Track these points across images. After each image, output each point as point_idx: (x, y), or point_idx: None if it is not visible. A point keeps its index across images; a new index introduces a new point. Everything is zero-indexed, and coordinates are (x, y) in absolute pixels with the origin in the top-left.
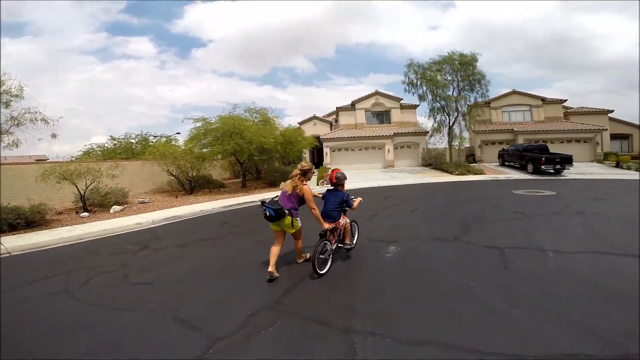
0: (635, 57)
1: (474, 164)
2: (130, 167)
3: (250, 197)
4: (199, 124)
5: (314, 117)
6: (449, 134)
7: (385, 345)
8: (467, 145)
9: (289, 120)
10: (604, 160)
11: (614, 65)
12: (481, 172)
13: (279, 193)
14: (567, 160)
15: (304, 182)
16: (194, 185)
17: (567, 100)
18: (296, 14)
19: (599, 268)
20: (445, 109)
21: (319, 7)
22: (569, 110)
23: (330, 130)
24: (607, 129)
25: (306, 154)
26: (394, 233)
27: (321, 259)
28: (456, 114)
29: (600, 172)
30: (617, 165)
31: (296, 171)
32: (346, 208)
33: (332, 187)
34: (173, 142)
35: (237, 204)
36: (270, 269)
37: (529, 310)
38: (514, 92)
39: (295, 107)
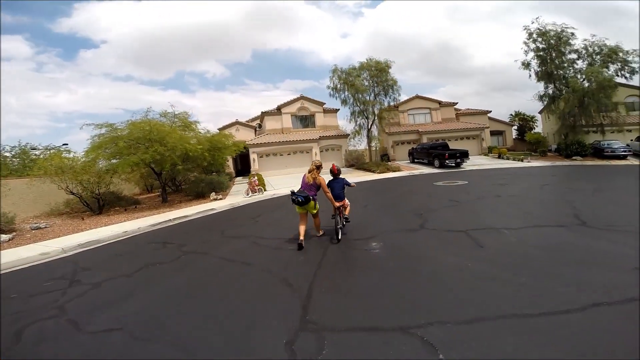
0: (498, 64)
1: (389, 163)
2: (13, 186)
3: (180, 211)
4: (102, 131)
5: (237, 123)
6: (368, 136)
7: (448, 328)
8: (378, 146)
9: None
10: (488, 153)
11: (482, 71)
12: (398, 169)
13: (212, 205)
14: (464, 155)
15: (319, 174)
16: (103, 203)
17: (457, 102)
18: (208, 16)
19: (547, 237)
20: (365, 112)
21: (236, 11)
22: (459, 112)
23: (255, 135)
24: (488, 127)
25: (229, 162)
26: (364, 230)
27: (338, 229)
28: (373, 117)
29: (489, 163)
30: (499, 157)
31: (312, 167)
32: (347, 187)
33: (333, 177)
34: (64, 154)
35: (167, 221)
36: (301, 238)
37: (524, 274)
38: (417, 97)
39: (205, 113)
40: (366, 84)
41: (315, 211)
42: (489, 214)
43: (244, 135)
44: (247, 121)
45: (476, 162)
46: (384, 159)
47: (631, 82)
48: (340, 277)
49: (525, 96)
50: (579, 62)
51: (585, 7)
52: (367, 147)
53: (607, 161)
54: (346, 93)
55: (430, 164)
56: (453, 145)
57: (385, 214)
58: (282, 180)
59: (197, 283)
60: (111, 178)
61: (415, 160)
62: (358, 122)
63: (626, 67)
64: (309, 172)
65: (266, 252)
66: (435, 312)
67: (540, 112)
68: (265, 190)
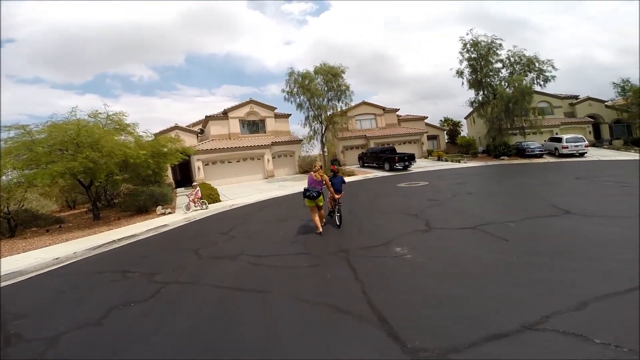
0: (424, 73)
1: (341, 167)
2: None
3: (123, 230)
4: (11, 134)
5: (176, 127)
6: (322, 141)
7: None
8: (328, 151)
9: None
10: (428, 156)
11: (411, 80)
12: (353, 173)
13: (162, 220)
14: (412, 158)
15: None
16: (15, 224)
17: (399, 109)
18: (136, 15)
19: (552, 225)
20: (319, 117)
21: (169, 11)
22: (399, 117)
23: (197, 142)
24: (427, 132)
25: (168, 171)
26: (374, 235)
27: (338, 216)
28: (327, 121)
29: (432, 165)
30: (439, 159)
31: (317, 166)
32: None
33: (333, 175)
34: None
35: (111, 242)
36: (319, 229)
37: (571, 259)
38: (364, 103)
39: (130, 119)
40: (320, 88)
41: (322, 203)
42: (477, 210)
43: (187, 142)
44: (188, 126)
45: (420, 165)
46: (334, 163)
47: (543, 90)
48: (397, 290)
49: (448, 104)
50: (503, 70)
51: (500, 20)
52: (321, 153)
53: (528, 160)
54: (302, 97)
55: (380, 167)
56: (397, 149)
57: (379, 218)
58: (235, 190)
59: (214, 331)
60: (25, 192)
61: (365, 165)
62: (313, 127)
63: (541, 76)
64: (315, 171)
65: (277, 273)
66: (548, 303)
67: (465, 118)
68: (206, 205)
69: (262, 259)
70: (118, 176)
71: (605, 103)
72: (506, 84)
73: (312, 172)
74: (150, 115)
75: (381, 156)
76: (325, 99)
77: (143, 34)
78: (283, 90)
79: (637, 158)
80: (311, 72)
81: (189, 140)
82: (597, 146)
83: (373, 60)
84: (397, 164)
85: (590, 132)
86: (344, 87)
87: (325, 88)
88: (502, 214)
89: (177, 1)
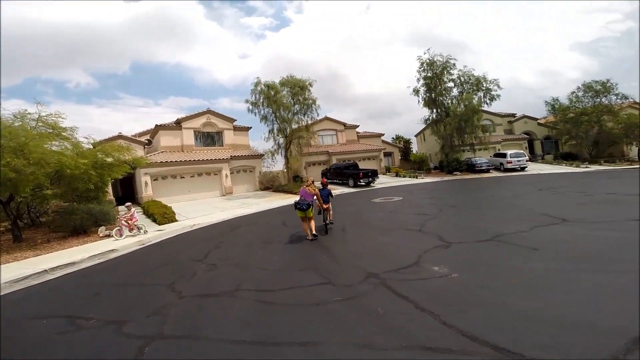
0: (373, 93)
1: (303, 184)
2: None
3: (56, 256)
4: None
5: (121, 137)
6: (286, 156)
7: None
8: (291, 167)
9: None
10: (386, 172)
11: (361, 99)
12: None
13: (108, 244)
14: (375, 174)
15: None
16: None
17: (359, 125)
18: (79, 16)
19: (561, 233)
20: (284, 131)
21: (117, 15)
22: (358, 134)
23: (145, 154)
24: (385, 149)
25: (108, 187)
26: (395, 256)
27: (326, 225)
28: (292, 135)
29: (392, 181)
30: (397, 175)
31: (309, 181)
32: (331, 198)
33: (323, 188)
34: None
35: (41, 273)
36: (309, 236)
37: (608, 263)
38: (326, 119)
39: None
40: (286, 101)
41: (312, 214)
42: (476, 223)
43: (136, 151)
44: (134, 135)
45: (381, 181)
46: (297, 180)
47: (488, 108)
48: (480, 312)
49: (394, 123)
50: (454, 89)
51: (443, 42)
52: (284, 168)
53: (478, 174)
54: (267, 109)
55: (344, 183)
56: (359, 165)
57: (379, 234)
58: (190, 208)
59: None
60: None
61: (329, 181)
62: (277, 141)
63: (488, 95)
64: (307, 186)
65: (306, 314)
66: None
67: (415, 136)
68: (144, 231)
69: (272, 295)
70: (49, 190)
71: (538, 121)
72: (457, 102)
73: (304, 186)
74: (85, 125)
75: (345, 172)
76: (291, 113)
77: (85, 36)
78: (247, 101)
79: (569, 170)
80: (277, 84)
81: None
82: (532, 161)
83: (328, 77)
84: (361, 180)
85: (526, 147)
86: (310, 100)
87: (292, 101)
88: (504, 226)
89: (130, 2)
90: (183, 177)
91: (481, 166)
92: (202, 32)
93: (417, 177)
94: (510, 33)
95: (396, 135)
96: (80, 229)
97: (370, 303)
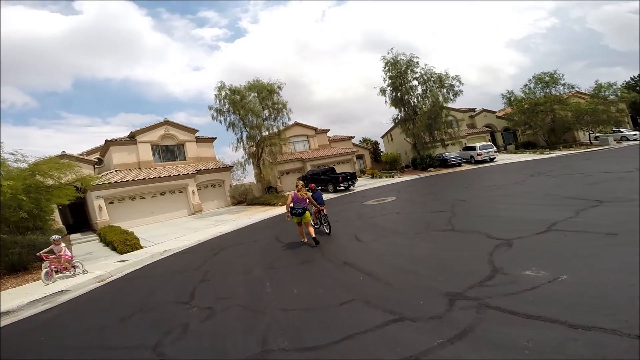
0: (333, 99)
1: (279, 194)
2: None
3: None
4: None
5: (65, 156)
6: (258, 166)
7: None
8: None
9: None
10: (361, 174)
11: (322, 105)
12: None
13: (58, 284)
14: (354, 177)
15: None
16: None
17: (330, 129)
18: (9, 28)
19: (607, 215)
20: (255, 138)
21: (53, 27)
22: (329, 138)
23: (95, 174)
24: (358, 151)
25: (54, 213)
26: (446, 265)
27: (326, 225)
28: (263, 143)
29: (369, 182)
30: (372, 176)
31: (299, 186)
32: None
33: (313, 191)
34: None
35: None
36: (304, 239)
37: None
38: (297, 124)
39: None
40: (253, 107)
41: (307, 220)
42: (512, 213)
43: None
44: (83, 154)
45: (359, 184)
46: (271, 191)
47: (452, 105)
48: None
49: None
50: (419, 87)
51: (394, 44)
52: (258, 179)
53: (452, 169)
54: (233, 115)
55: (323, 190)
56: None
57: (414, 239)
58: (157, 231)
59: None
60: None
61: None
62: (247, 150)
63: (451, 91)
64: (298, 191)
65: None
66: None
67: (382, 137)
68: (82, 270)
69: (326, 354)
70: None
71: (496, 113)
72: (423, 99)
73: (295, 192)
74: (28, 148)
75: (324, 178)
76: (261, 118)
77: (16, 52)
78: (211, 108)
79: (535, 157)
80: (242, 88)
81: (82, 172)
82: (497, 152)
83: (288, 85)
84: (341, 185)
85: (489, 139)
86: (280, 104)
87: (260, 106)
88: (545, 213)
89: (67, 15)
90: (143, 198)
91: (453, 160)
92: (150, 44)
93: (393, 177)
94: (452, 33)
95: (363, 138)
96: (19, 265)
97: (498, 336)
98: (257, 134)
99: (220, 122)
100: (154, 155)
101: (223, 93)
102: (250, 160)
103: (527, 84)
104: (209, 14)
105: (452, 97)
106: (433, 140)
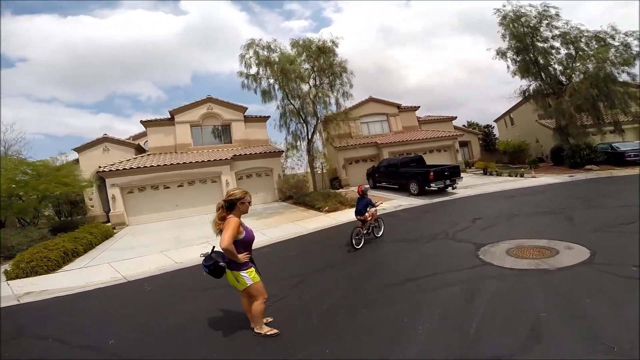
0: (426, 84)
1: (341, 190)
2: None
3: None
4: None
5: (105, 139)
6: (308, 151)
7: None
8: (326, 167)
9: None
10: (467, 168)
11: (413, 91)
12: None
13: None
14: (456, 173)
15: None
16: None
17: (419, 107)
18: (139, 33)
19: None
20: (302, 112)
21: (169, 29)
22: (419, 119)
23: (133, 157)
24: (463, 135)
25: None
26: None
27: (357, 239)
28: (315, 120)
29: (483, 181)
30: (485, 172)
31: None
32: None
33: (360, 196)
34: None
35: None
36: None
37: None
38: (371, 100)
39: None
40: (301, 71)
41: (245, 285)
42: None
43: (119, 159)
44: (130, 138)
45: (463, 182)
46: (334, 185)
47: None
48: None
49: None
50: (562, 49)
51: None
52: (309, 169)
53: (630, 168)
54: (269, 80)
55: (402, 189)
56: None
57: None
58: (157, 235)
59: None
60: None
61: (378, 185)
62: (292, 129)
63: (627, 52)
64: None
65: None
66: None
67: (496, 121)
68: None
69: None
70: None
71: None
72: (574, 64)
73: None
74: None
75: (404, 172)
76: (312, 86)
77: (150, 52)
78: (240, 74)
79: None
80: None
81: (124, 157)
82: None
83: (375, 72)
84: (432, 184)
85: None
86: (339, 68)
87: (310, 71)
88: None
89: (176, 16)
90: (168, 187)
91: (635, 155)
92: (248, 38)
93: (522, 176)
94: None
95: (469, 122)
96: None
97: None
98: (306, 106)
99: (255, 92)
100: (194, 136)
101: (251, 51)
102: (299, 142)
103: None
104: (293, 6)
105: (632, 62)
106: (599, 123)
